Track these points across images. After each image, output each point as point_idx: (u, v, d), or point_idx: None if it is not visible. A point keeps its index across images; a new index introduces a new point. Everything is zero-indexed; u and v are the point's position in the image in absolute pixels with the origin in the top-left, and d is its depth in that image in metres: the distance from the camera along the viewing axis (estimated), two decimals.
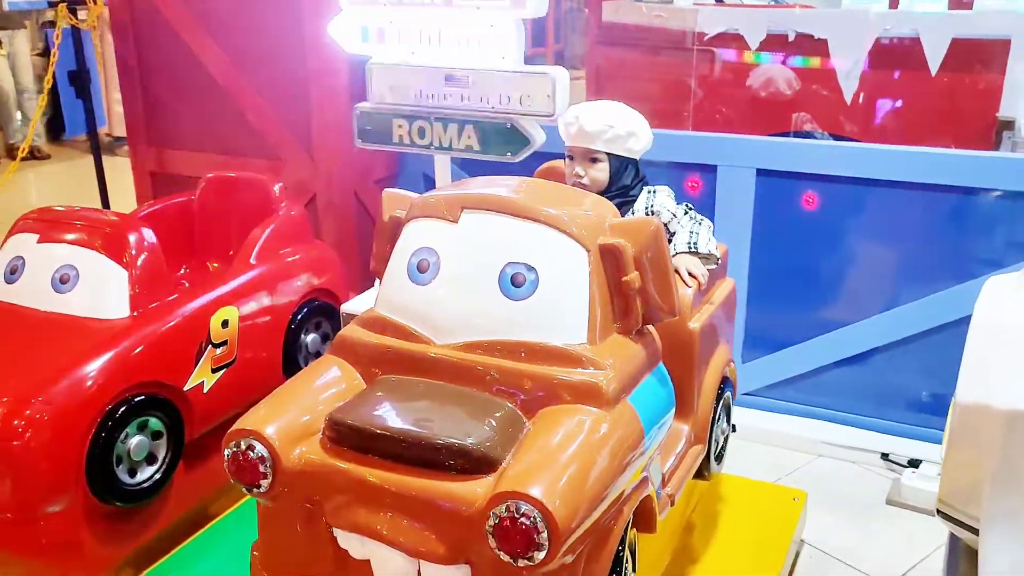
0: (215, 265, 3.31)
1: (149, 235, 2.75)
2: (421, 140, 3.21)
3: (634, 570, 2.07)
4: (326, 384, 2.05)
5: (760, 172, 3.79)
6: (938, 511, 2.34)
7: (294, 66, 4.02)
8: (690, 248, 2.55)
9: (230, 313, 2.86)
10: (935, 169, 3.55)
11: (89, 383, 2.48)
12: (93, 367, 2.50)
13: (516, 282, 1.98)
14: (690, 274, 2.50)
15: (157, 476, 2.68)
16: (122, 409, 2.54)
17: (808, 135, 4.68)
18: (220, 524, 2.85)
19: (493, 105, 3.05)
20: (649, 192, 2.64)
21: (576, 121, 2.56)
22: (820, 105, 4.70)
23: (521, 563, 1.69)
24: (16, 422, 2.36)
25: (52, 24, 6.91)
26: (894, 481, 3.56)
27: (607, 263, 2.03)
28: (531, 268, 1.98)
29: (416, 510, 1.79)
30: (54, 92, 7.79)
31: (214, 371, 2.81)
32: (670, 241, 2.57)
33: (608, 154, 2.56)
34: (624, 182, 2.60)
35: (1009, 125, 4.38)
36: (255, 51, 4.12)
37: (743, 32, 4.77)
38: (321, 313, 3.27)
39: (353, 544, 1.88)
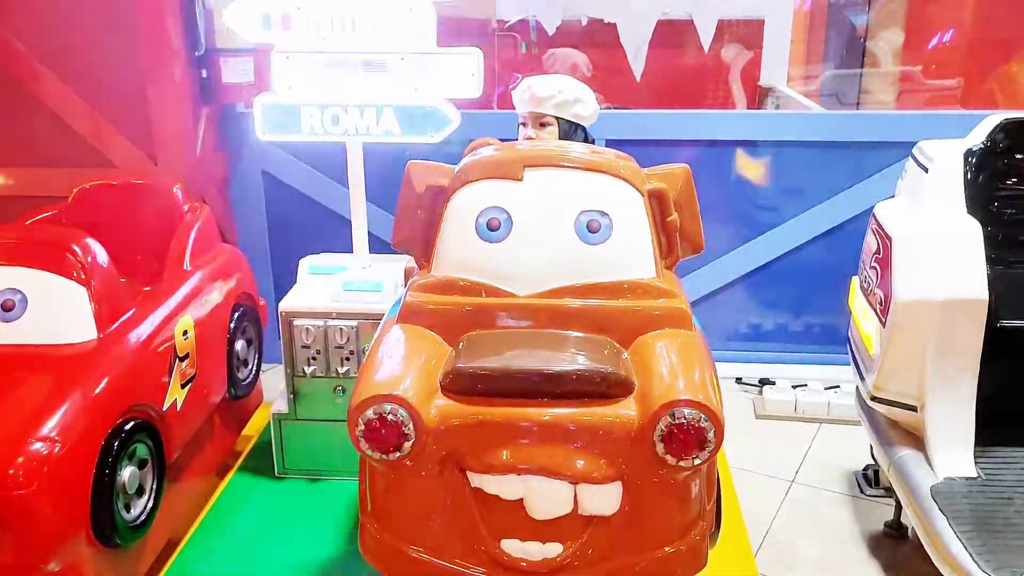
0: (121, 280, 2.98)
1: (96, 245, 2.45)
2: (335, 128, 3.15)
3: None
4: (417, 346, 2.04)
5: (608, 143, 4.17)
6: (873, 397, 2.85)
7: (126, 64, 3.68)
8: None
9: (188, 323, 2.63)
10: (728, 127, 4.19)
11: (85, 416, 2.18)
12: (84, 398, 2.20)
13: (592, 228, 2.13)
14: None
15: (150, 506, 2.43)
16: (117, 440, 2.27)
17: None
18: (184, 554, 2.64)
19: (416, 87, 3.09)
20: None
21: (528, 89, 2.77)
22: (615, 83, 5.20)
23: (685, 463, 1.86)
24: (13, 470, 2.03)
25: None
26: (756, 398, 4.13)
27: (654, 206, 2.25)
28: (604, 214, 2.14)
29: (574, 438, 1.88)
30: None
31: (183, 387, 2.58)
32: None
33: (557, 118, 2.78)
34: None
35: (769, 91, 5.18)
36: (74, 49, 3.70)
37: (540, 18, 5.12)
38: (246, 318, 3.09)
39: (506, 485, 1.91)
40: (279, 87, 3.10)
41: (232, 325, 2.96)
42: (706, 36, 5.09)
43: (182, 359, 2.58)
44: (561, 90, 2.76)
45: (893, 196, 3.12)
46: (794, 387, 4.08)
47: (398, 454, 1.87)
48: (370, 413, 1.85)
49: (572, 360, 1.94)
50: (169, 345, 2.53)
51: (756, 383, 4.23)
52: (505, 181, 2.17)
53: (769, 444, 3.82)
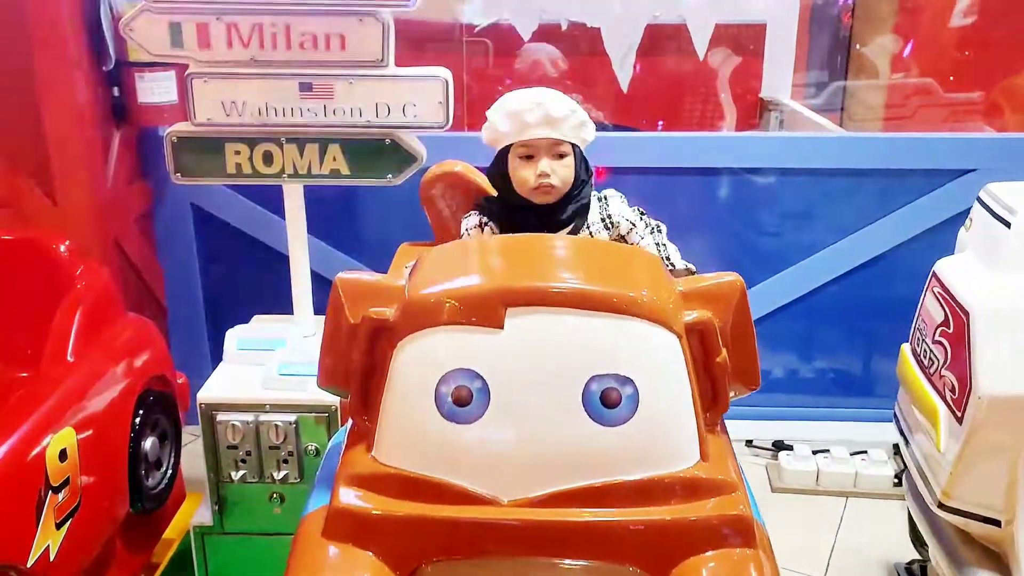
0: None
1: None
2: (268, 168, 2.53)
3: None
4: None
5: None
6: (941, 505, 2.30)
7: (16, 81, 3.00)
8: None
9: (67, 438, 1.99)
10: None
11: None
12: None
13: (609, 402, 1.48)
14: None
15: None
16: None
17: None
18: None
19: (368, 118, 2.47)
20: (599, 199, 2.28)
21: (537, 107, 2.09)
22: (598, 93, 4.63)
23: None
24: None
25: None
26: (771, 467, 3.57)
27: (694, 346, 1.60)
28: (625, 380, 1.49)
29: None
30: None
31: (59, 526, 1.94)
32: None
33: (573, 146, 2.17)
34: (582, 178, 2.20)
35: (771, 105, 4.62)
36: None
37: (514, 22, 4.51)
38: (158, 408, 2.45)
39: None
40: (196, 116, 2.46)
41: (138, 421, 2.32)
42: (701, 42, 4.51)
43: (57, 489, 1.95)
44: (575, 109, 2.13)
45: (950, 246, 2.58)
46: (815, 452, 3.53)
47: None
48: None
49: None
50: (37, 474, 1.89)
51: (770, 447, 3.68)
52: (477, 330, 1.48)
53: (790, 526, 3.23)
